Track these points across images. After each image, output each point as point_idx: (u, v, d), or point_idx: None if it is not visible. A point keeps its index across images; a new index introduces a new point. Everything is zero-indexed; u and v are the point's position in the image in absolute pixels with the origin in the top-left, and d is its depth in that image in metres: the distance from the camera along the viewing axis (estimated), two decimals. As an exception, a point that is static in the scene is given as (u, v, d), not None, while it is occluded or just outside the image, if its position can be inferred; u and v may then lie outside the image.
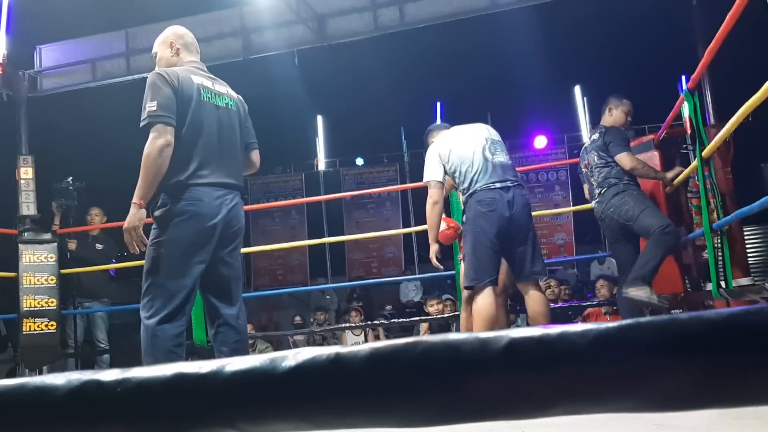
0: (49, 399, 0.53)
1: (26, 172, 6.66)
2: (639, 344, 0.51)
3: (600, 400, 0.52)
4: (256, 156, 3.05)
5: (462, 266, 3.86)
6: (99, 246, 6.32)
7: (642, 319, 0.53)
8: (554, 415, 0.53)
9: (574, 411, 0.52)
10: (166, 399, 0.53)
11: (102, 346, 6.19)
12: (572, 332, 0.52)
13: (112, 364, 6.99)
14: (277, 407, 0.52)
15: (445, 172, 3.66)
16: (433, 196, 3.68)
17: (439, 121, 4.12)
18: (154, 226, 2.72)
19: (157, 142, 2.60)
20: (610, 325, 0.53)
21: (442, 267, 3.87)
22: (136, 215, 2.62)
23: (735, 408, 0.54)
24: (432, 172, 3.69)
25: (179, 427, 0.53)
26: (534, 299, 3.50)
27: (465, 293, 3.75)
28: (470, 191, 3.53)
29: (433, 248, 3.73)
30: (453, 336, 0.53)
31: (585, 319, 5.50)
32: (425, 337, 0.54)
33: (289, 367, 0.53)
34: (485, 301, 3.40)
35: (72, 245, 6.05)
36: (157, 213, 2.69)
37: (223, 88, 2.91)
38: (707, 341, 0.51)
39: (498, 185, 3.46)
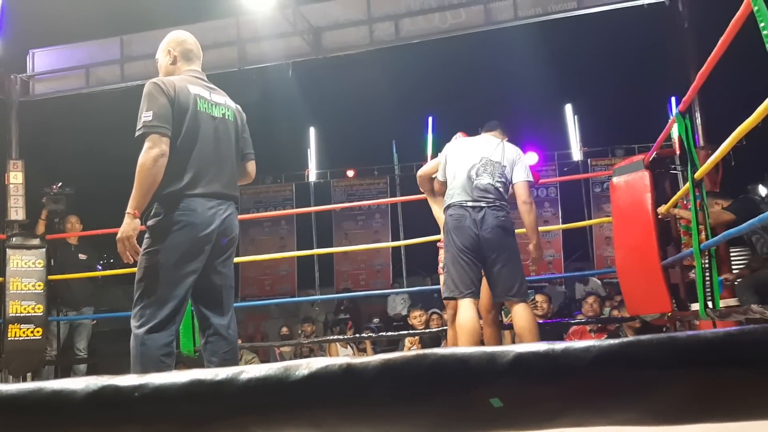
0: (67, 402, 0.54)
1: (15, 177, 6.64)
2: (640, 360, 0.54)
3: (602, 412, 0.54)
4: (251, 166, 3.05)
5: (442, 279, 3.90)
6: (82, 256, 6.26)
7: (643, 337, 0.55)
8: (558, 427, 0.55)
9: (577, 423, 0.54)
10: (182, 404, 0.54)
11: (81, 354, 6.13)
12: (576, 348, 0.54)
13: (95, 372, 6.93)
14: (291, 414, 0.54)
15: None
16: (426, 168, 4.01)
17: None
18: (147, 236, 2.72)
19: (152, 152, 2.60)
20: (613, 341, 0.55)
21: None
22: (129, 225, 2.61)
23: (727, 423, 0.56)
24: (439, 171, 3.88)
25: (194, 432, 0.55)
26: (519, 315, 3.53)
27: (449, 311, 3.80)
28: (446, 205, 3.66)
29: None
30: (461, 349, 0.55)
31: (570, 337, 5.51)
32: (435, 349, 0.56)
33: (302, 376, 0.54)
34: (467, 314, 3.46)
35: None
36: (150, 222, 2.69)
37: (221, 97, 2.91)
38: (705, 359, 0.53)
39: (469, 204, 3.55)
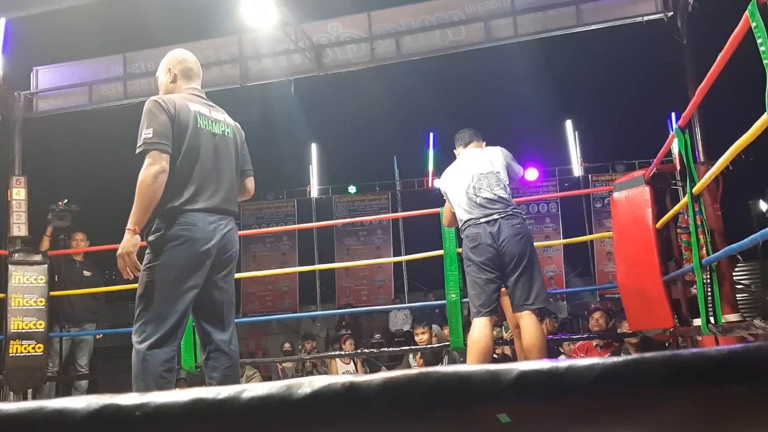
0: (68, 422, 0.54)
1: (18, 193, 6.64)
2: (643, 378, 0.53)
3: (606, 430, 0.53)
4: (250, 183, 3.07)
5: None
6: (87, 273, 6.27)
7: (646, 355, 0.55)
8: (561, 446, 0.54)
9: (581, 442, 0.54)
10: (183, 423, 0.54)
11: (82, 371, 6.11)
12: (580, 366, 0.54)
13: (96, 388, 6.90)
14: (293, 433, 0.54)
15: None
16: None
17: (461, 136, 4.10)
18: (147, 251, 2.72)
19: (152, 168, 2.62)
20: (616, 359, 0.55)
21: None
22: (130, 241, 2.62)
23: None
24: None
25: (196, 452, 0.54)
26: (527, 330, 3.52)
27: (511, 323, 3.98)
28: (461, 229, 3.69)
29: None
30: (464, 367, 0.55)
31: (576, 352, 5.48)
32: (437, 368, 0.55)
33: (304, 395, 0.54)
34: (480, 332, 3.46)
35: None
36: (151, 238, 2.70)
37: (220, 115, 2.93)
38: (708, 376, 0.53)
39: (483, 220, 3.56)
